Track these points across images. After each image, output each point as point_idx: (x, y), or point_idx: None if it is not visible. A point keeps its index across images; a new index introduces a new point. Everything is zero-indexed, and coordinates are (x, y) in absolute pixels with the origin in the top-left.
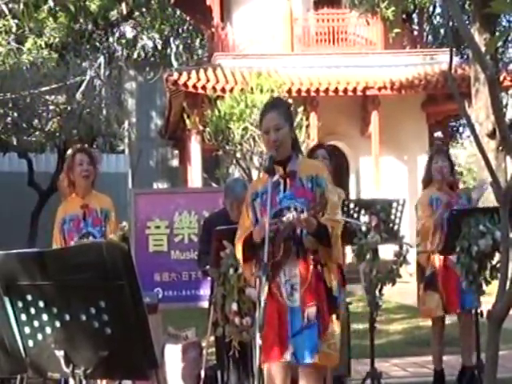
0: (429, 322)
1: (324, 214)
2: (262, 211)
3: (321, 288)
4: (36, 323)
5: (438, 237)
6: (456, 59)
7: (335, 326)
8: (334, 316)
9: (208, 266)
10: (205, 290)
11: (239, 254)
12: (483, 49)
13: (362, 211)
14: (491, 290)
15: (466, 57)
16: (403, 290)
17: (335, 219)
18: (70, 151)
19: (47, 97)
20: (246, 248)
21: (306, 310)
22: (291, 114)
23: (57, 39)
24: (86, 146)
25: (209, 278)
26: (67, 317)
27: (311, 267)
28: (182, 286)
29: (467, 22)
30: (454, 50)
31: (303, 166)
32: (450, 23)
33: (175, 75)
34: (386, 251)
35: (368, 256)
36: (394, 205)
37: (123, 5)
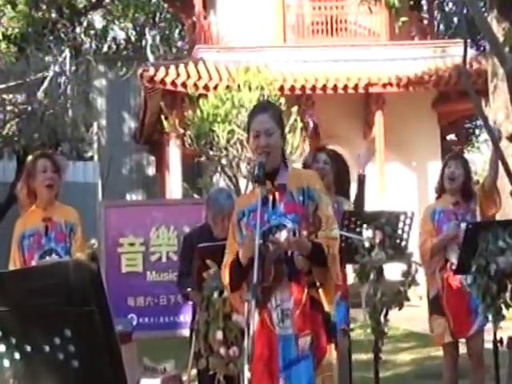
0: (442, 351)
1: (315, 232)
2: (248, 232)
3: (316, 313)
4: None
5: (437, 259)
6: (471, 51)
7: (332, 356)
8: (332, 345)
9: (189, 289)
10: (185, 317)
11: (226, 282)
12: (501, 39)
13: (365, 225)
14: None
15: (482, 49)
16: (412, 315)
17: (331, 236)
18: (30, 157)
19: (4, 96)
20: (233, 274)
21: (299, 339)
22: (283, 120)
23: (15, 30)
24: (51, 151)
25: (190, 303)
26: (28, 348)
27: (305, 290)
28: (159, 311)
29: (483, 10)
30: (469, 41)
31: (293, 177)
32: (464, 11)
33: (151, 71)
34: (393, 270)
35: (371, 276)
36: (402, 218)
37: None
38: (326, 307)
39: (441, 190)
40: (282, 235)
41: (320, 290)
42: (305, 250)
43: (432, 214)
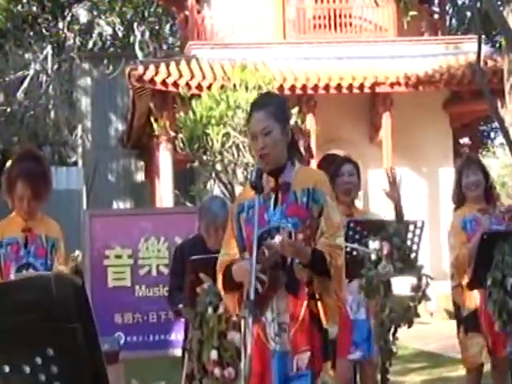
0: (456, 373)
1: (312, 237)
2: (247, 230)
3: (315, 329)
4: None
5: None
6: (485, 48)
7: (328, 376)
8: (328, 364)
9: (181, 305)
10: (177, 335)
11: (220, 283)
12: None
13: (371, 235)
14: None
15: (497, 45)
16: (423, 333)
17: (335, 244)
18: (10, 162)
19: None
20: (227, 280)
21: (296, 357)
22: (285, 111)
23: None
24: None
25: (182, 320)
26: (7, 368)
27: (305, 302)
28: (148, 329)
29: (499, 3)
30: (483, 36)
31: (299, 177)
32: (478, 4)
33: (140, 69)
34: (401, 285)
35: (379, 291)
36: (411, 227)
37: None
38: (324, 323)
39: (461, 200)
40: (277, 239)
41: (319, 304)
42: (303, 256)
43: (463, 224)
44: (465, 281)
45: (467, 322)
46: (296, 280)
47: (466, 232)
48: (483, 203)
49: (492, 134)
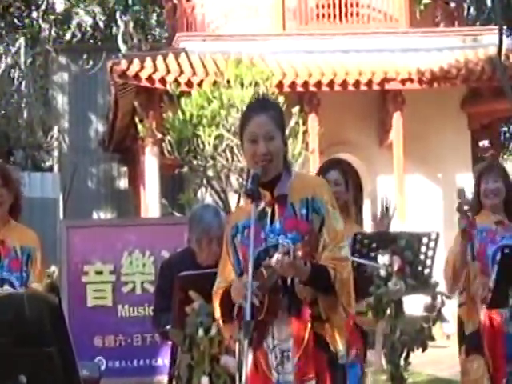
0: None
1: (311, 252)
2: (243, 252)
3: (321, 354)
4: None
5: (478, 287)
6: (507, 41)
7: None
8: None
9: (168, 326)
10: (164, 360)
11: (217, 313)
12: None
13: (381, 249)
14: None
15: None
16: (438, 358)
17: (340, 256)
18: None
19: None
20: (225, 308)
21: None
22: (284, 120)
23: None
24: (0, 160)
25: (169, 343)
26: None
27: (308, 325)
28: (132, 353)
29: None
30: (505, 28)
31: (296, 186)
32: None
33: (123, 64)
34: (414, 304)
35: (389, 311)
36: (425, 240)
37: None
38: (332, 347)
39: (478, 207)
40: (274, 257)
41: (326, 326)
42: (303, 274)
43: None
44: (448, 289)
45: (469, 342)
46: (298, 301)
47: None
48: (501, 214)
49: None
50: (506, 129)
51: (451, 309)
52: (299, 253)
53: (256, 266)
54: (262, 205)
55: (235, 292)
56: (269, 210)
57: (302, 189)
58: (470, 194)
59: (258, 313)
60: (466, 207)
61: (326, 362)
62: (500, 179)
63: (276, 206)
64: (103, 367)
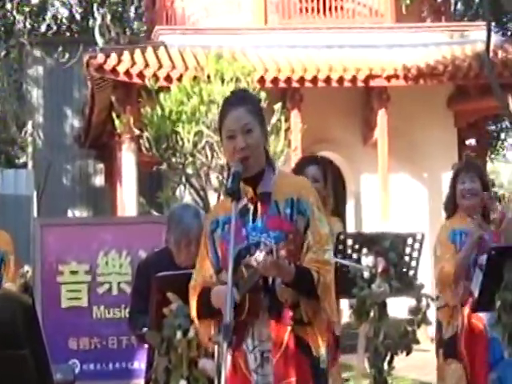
0: None
1: (296, 252)
2: (222, 248)
3: (302, 357)
4: None
5: (463, 286)
6: (495, 37)
7: None
8: None
9: (145, 329)
10: (140, 363)
11: (193, 311)
12: None
13: (364, 250)
14: None
15: (509, 33)
16: (423, 362)
17: (323, 259)
18: None
19: None
20: (202, 307)
21: None
22: (262, 112)
23: None
24: None
25: (146, 346)
26: None
27: (288, 328)
28: (107, 356)
29: None
30: (493, 23)
31: (280, 185)
32: None
33: (100, 57)
34: (398, 306)
35: (372, 313)
36: (409, 241)
37: None
38: (315, 351)
39: (453, 209)
40: (257, 256)
41: (308, 329)
42: (287, 275)
43: (451, 236)
44: (451, 300)
45: (447, 346)
46: (279, 303)
47: (454, 245)
48: (478, 216)
49: (502, 135)
50: (493, 127)
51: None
52: (282, 252)
53: (236, 264)
54: (245, 201)
55: (216, 298)
56: (251, 207)
57: (287, 188)
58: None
59: (239, 313)
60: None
61: (309, 366)
62: (477, 179)
63: (259, 204)
64: (77, 370)
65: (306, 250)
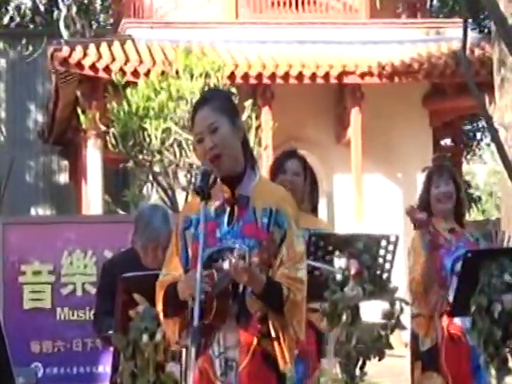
0: None
1: (268, 262)
2: (193, 247)
3: (269, 371)
4: None
5: (436, 295)
6: (472, 34)
7: None
8: None
9: (111, 331)
10: (105, 366)
11: (160, 306)
12: (511, 21)
13: (337, 252)
14: None
15: (486, 31)
16: (396, 368)
17: (296, 277)
18: None
19: None
20: (168, 303)
21: None
22: (233, 104)
23: None
24: None
25: (111, 349)
26: None
27: (255, 339)
28: (72, 359)
29: None
30: (470, 21)
31: (260, 191)
32: None
33: (65, 50)
34: (371, 310)
35: (344, 317)
36: (383, 243)
37: None
38: (281, 366)
39: (428, 214)
40: (229, 261)
41: (276, 344)
42: (257, 284)
43: (424, 244)
44: (421, 307)
45: (425, 358)
46: (248, 312)
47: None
48: (452, 219)
49: (478, 135)
50: (469, 127)
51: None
52: (255, 259)
53: (207, 267)
54: (221, 201)
55: (182, 287)
56: (227, 209)
57: (267, 197)
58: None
59: (206, 316)
60: (421, 219)
61: (274, 380)
62: (451, 181)
63: (236, 207)
64: (40, 374)
65: (279, 264)
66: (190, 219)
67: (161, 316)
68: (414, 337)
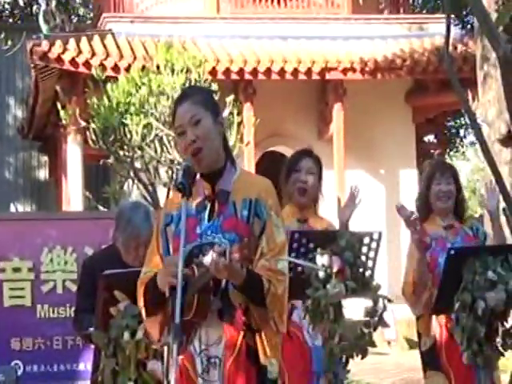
0: None
1: (249, 257)
2: (175, 244)
3: (250, 366)
4: None
5: (427, 296)
6: (455, 30)
7: None
8: None
9: (91, 329)
10: (86, 364)
11: (141, 302)
12: (494, 17)
13: (319, 249)
14: (505, 365)
15: (469, 27)
16: (379, 366)
17: (276, 269)
18: None
19: None
20: (148, 298)
21: None
22: (215, 103)
23: None
24: None
25: (92, 347)
26: None
27: (241, 333)
28: (52, 357)
29: None
30: (453, 16)
31: (240, 184)
32: None
33: (44, 45)
34: (354, 308)
35: (327, 315)
36: (366, 240)
37: None
38: (262, 360)
39: (427, 211)
40: (208, 256)
41: (257, 336)
42: (238, 279)
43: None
44: (414, 308)
45: (426, 357)
46: (232, 306)
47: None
48: (451, 218)
49: (461, 132)
50: (452, 123)
51: (393, 314)
52: (236, 255)
53: (188, 262)
54: (202, 197)
55: (161, 275)
56: (208, 205)
57: (246, 188)
58: (413, 196)
59: (187, 313)
60: (411, 219)
61: (255, 374)
62: (452, 181)
63: (216, 202)
64: (20, 372)
65: (259, 256)
66: (170, 215)
67: (143, 314)
68: (420, 338)
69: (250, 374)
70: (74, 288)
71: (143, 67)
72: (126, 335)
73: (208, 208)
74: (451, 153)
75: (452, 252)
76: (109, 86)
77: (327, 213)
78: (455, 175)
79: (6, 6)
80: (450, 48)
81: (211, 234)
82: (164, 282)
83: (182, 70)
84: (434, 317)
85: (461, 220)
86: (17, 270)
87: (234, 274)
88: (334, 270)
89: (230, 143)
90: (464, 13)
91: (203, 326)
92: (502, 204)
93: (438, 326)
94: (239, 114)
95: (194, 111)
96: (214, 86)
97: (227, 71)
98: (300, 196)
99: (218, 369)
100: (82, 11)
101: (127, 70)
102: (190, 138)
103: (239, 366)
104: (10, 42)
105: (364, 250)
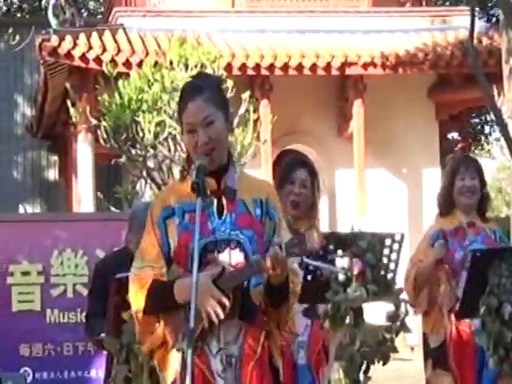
0: None
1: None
2: (182, 238)
3: (269, 369)
4: None
5: (425, 294)
6: (480, 23)
7: None
8: None
9: (103, 334)
10: (98, 371)
11: (140, 303)
12: None
13: (339, 251)
14: None
15: (494, 19)
16: (401, 372)
17: (293, 268)
18: None
19: None
20: (153, 297)
21: None
22: (226, 99)
23: None
24: None
25: (104, 353)
26: None
27: (263, 333)
28: (62, 364)
29: None
30: (477, 9)
31: (245, 184)
32: None
33: (54, 40)
34: (376, 312)
35: (347, 319)
36: (388, 242)
37: None
38: (275, 361)
39: (449, 206)
40: (225, 254)
41: (271, 338)
42: (284, 275)
43: (436, 238)
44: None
45: (435, 356)
46: (253, 305)
47: (433, 246)
48: (473, 214)
49: (487, 129)
50: (477, 120)
51: (416, 319)
52: (281, 258)
53: (202, 257)
54: (208, 203)
55: (184, 291)
56: (214, 200)
57: (253, 188)
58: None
59: (227, 312)
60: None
61: (271, 377)
62: (477, 176)
63: (224, 199)
64: (30, 379)
65: None
66: (171, 208)
67: (139, 313)
68: (425, 335)
69: (268, 377)
70: (84, 292)
71: (156, 63)
72: None
73: (215, 204)
74: (476, 150)
75: (477, 255)
76: (120, 82)
77: (346, 211)
78: (479, 170)
79: (15, 0)
80: (475, 41)
81: (225, 230)
82: (207, 309)
83: (195, 66)
84: (445, 316)
85: (483, 218)
86: (26, 273)
87: (284, 271)
88: (355, 272)
89: (247, 141)
90: (489, 5)
91: (222, 325)
92: None
93: (449, 323)
94: (255, 110)
95: (206, 111)
96: (230, 82)
97: (243, 67)
98: (293, 209)
99: (233, 368)
100: (92, 5)
101: (139, 65)
102: (202, 139)
103: (258, 370)
104: (18, 37)
105: (386, 251)
